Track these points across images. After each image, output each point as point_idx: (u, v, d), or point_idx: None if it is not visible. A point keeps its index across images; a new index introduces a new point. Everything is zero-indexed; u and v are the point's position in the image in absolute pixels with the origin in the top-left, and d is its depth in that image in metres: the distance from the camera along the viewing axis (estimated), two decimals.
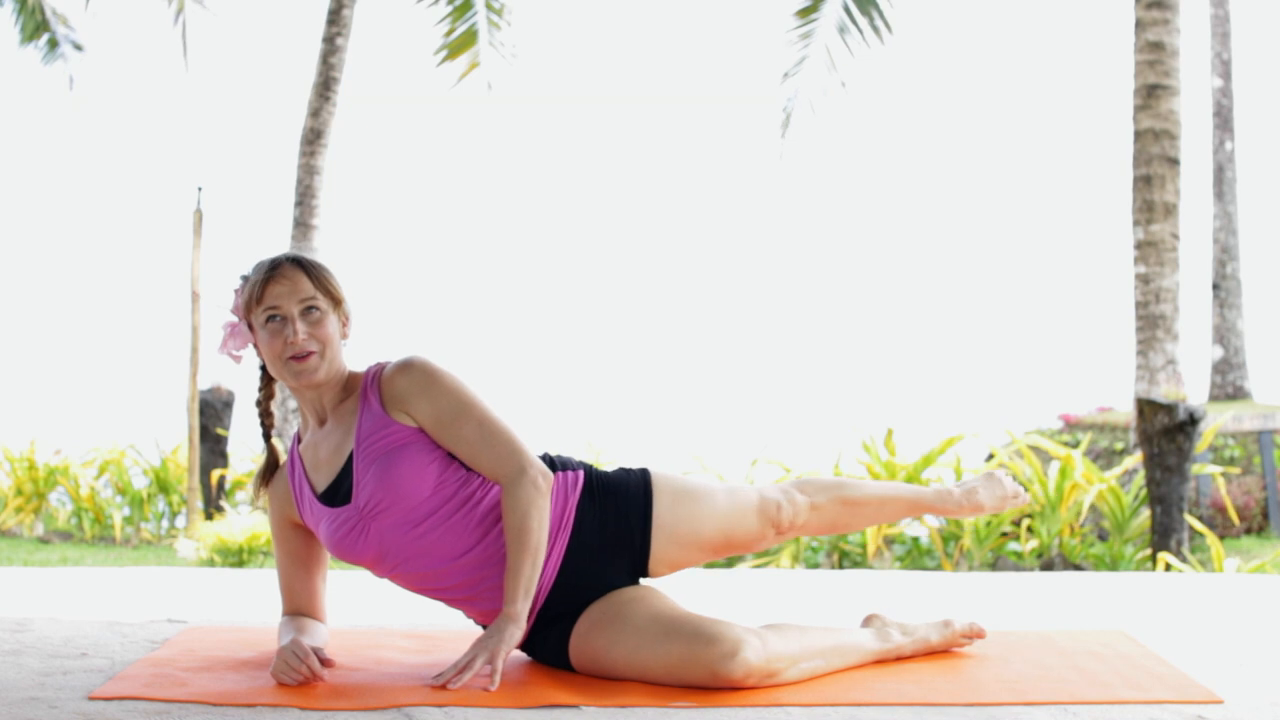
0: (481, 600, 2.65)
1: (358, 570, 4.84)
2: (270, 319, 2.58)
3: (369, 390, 2.63)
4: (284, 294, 2.57)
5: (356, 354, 2.76)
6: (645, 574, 2.74)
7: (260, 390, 2.76)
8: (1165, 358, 8.39)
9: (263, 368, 2.74)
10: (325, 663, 2.49)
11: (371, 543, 2.61)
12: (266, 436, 2.76)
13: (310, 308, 2.59)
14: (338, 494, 2.63)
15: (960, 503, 2.98)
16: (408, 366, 2.60)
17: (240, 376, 9.72)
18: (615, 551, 2.68)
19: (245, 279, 2.66)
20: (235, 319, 2.67)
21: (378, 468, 2.57)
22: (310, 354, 2.58)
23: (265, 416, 2.76)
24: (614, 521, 2.68)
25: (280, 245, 10.58)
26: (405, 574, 2.65)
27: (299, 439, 2.75)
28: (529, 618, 2.65)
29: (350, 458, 2.61)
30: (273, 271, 2.59)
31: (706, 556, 2.80)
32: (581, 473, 2.73)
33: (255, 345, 2.65)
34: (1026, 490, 3.11)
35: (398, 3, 11.44)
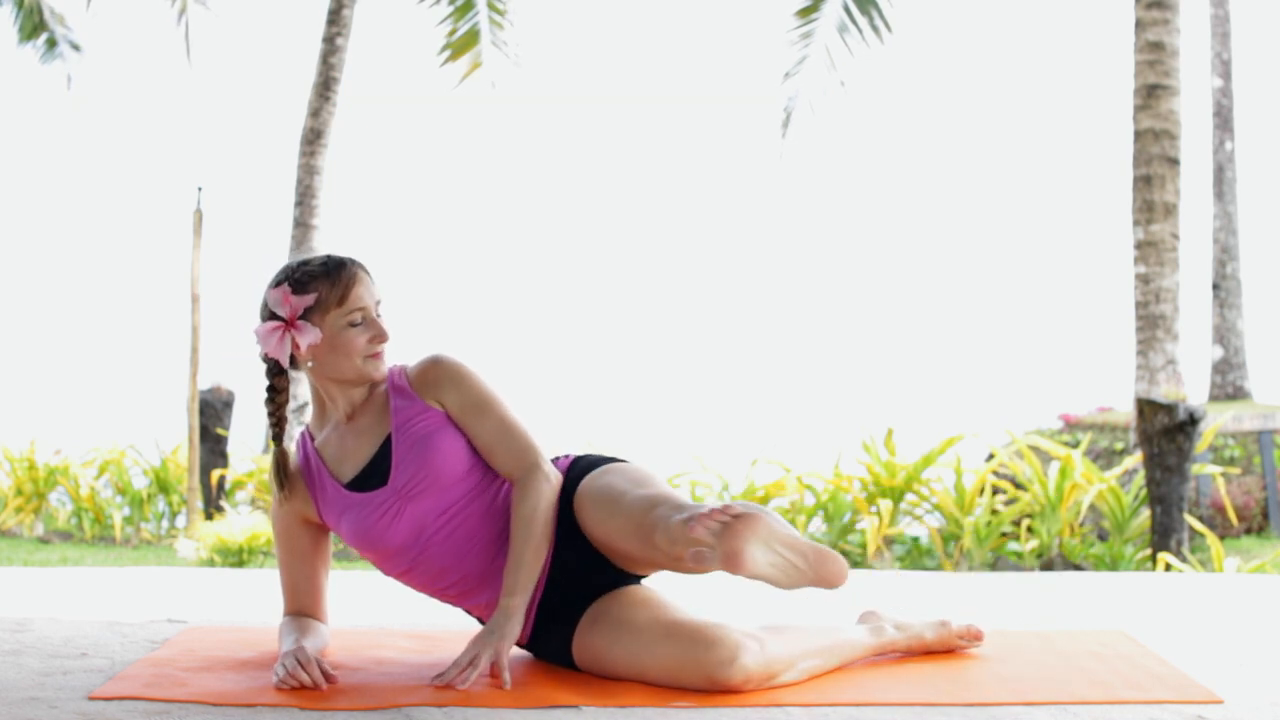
0: (489, 589, 2.69)
1: (359, 570, 4.84)
2: (353, 320, 2.68)
3: (398, 382, 2.74)
4: (365, 295, 2.71)
5: None
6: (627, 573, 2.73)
7: (279, 392, 2.75)
8: (1165, 358, 8.39)
9: (282, 371, 2.74)
10: (329, 677, 2.50)
11: (403, 526, 2.65)
12: (279, 438, 2.77)
13: (379, 307, 2.74)
14: (371, 479, 2.69)
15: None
16: (438, 360, 2.74)
17: (240, 376, 9.69)
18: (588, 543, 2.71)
19: (303, 281, 2.66)
20: (280, 318, 2.66)
21: (419, 448, 2.66)
22: (382, 350, 2.73)
23: (283, 419, 2.77)
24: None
25: (280, 245, 10.58)
26: (425, 562, 2.68)
27: (311, 436, 2.77)
28: (528, 613, 2.67)
29: (386, 443, 2.70)
30: (353, 275, 2.70)
31: (633, 564, 2.67)
32: (569, 459, 2.80)
33: (307, 345, 2.65)
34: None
35: (398, 3, 11.45)
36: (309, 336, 2.65)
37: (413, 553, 2.68)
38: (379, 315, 2.72)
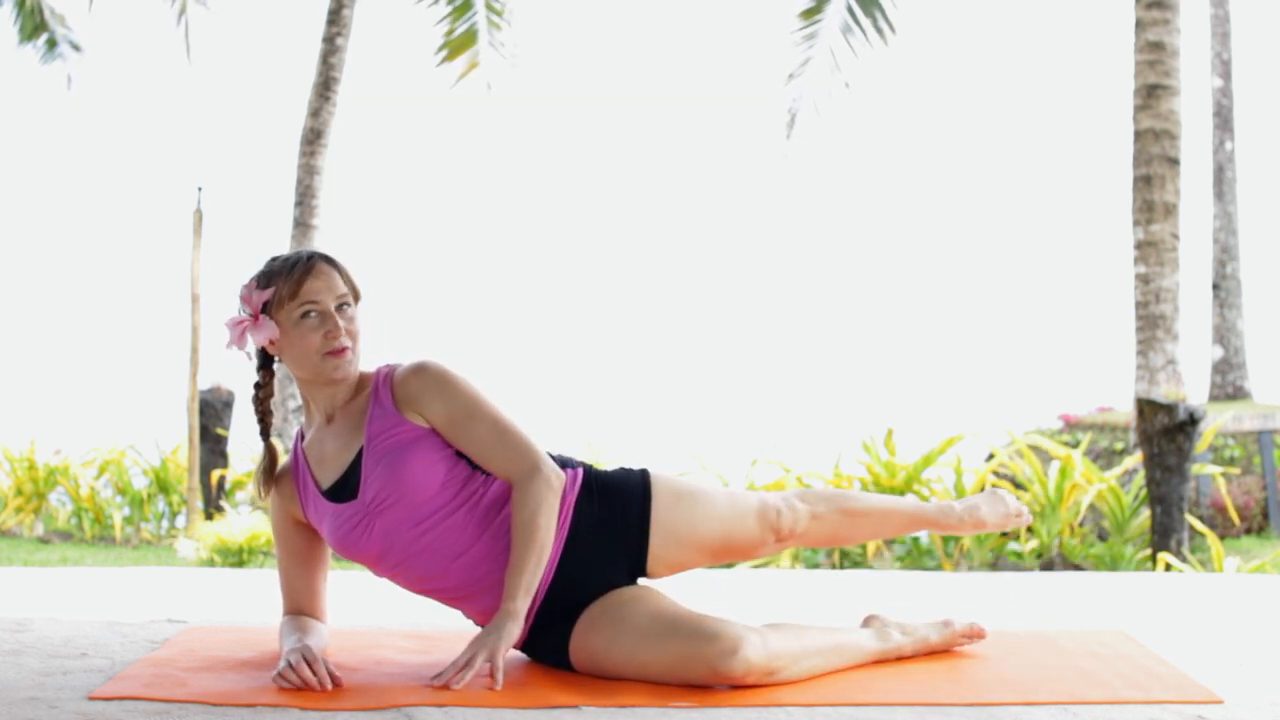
0: (480, 598, 2.66)
1: (358, 570, 4.84)
2: (306, 315, 2.60)
3: (380, 389, 2.66)
4: (321, 289, 2.61)
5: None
6: (644, 573, 2.74)
7: (261, 388, 2.75)
8: (1165, 358, 8.39)
9: (263, 366, 2.73)
10: (335, 679, 2.48)
11: (375, 539, 2.62)
12: (265, 435, 2.76)
13: (344, 304, 2.63)
14: (344, 490, 2.64)
15: (962, 518, 2.99)
16: (422, 368, 2.64)
17: (240, 376, 9.71)
18: (613, 550, 2.69)
19: (267, 275, 2.64)
20: (247, 314, 2.65)
21: (387, 463, 2.60)
22: (346, 349, 2.62)
23: (266, 415, 2.76)
24: (611, 519, 2.69)
25: (280, 245, 10.58)
26: (406, 571, 2.65)
27: (302, 436, 2.75)
28: (528, 617, 2.66)
29: (359, 454, 2.63)
30: (308, 267, 2.62)
31: (705, 559, 2.79)
32: (580, 470, 2.75)
33: (271, 342, 2.64)
34: (1028, 508, 3.13)
35: (398, 3, 11.45)
36: (264, 332, 2.61)
37: (390, 561, 2.65)
38: (340, 311, 2.62)
